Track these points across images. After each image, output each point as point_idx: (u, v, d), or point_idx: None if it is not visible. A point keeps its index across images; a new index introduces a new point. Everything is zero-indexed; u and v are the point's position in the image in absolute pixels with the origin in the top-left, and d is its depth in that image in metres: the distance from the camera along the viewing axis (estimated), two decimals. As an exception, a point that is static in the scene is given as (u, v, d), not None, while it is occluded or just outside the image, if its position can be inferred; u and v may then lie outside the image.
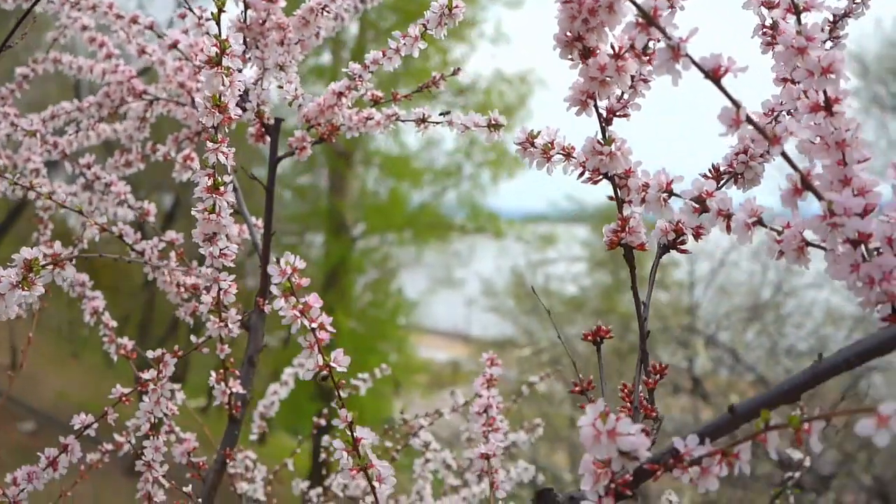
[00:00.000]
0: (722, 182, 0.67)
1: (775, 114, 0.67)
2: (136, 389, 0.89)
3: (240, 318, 0.89)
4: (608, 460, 0.53)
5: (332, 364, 0.61)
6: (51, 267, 0.63)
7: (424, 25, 0.84)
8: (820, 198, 0.50)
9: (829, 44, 0.69)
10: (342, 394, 0.62)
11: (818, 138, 0.53)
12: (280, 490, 1.53)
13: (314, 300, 0.61)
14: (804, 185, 0.50)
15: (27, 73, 1.29)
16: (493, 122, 0.80)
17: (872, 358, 0.48)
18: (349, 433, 0.63)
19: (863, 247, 0.51)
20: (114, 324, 1.07)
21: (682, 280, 7.77)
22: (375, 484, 0.63)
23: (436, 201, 11.52)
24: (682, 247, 0.66)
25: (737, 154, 0.66)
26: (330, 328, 0.61)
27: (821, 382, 0.49)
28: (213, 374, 0.94)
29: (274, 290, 0.60)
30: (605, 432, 0.48)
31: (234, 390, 0.94)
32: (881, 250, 0.50)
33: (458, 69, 0.97)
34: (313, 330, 0.61)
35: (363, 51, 10.61)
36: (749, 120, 0.49)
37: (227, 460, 0.96)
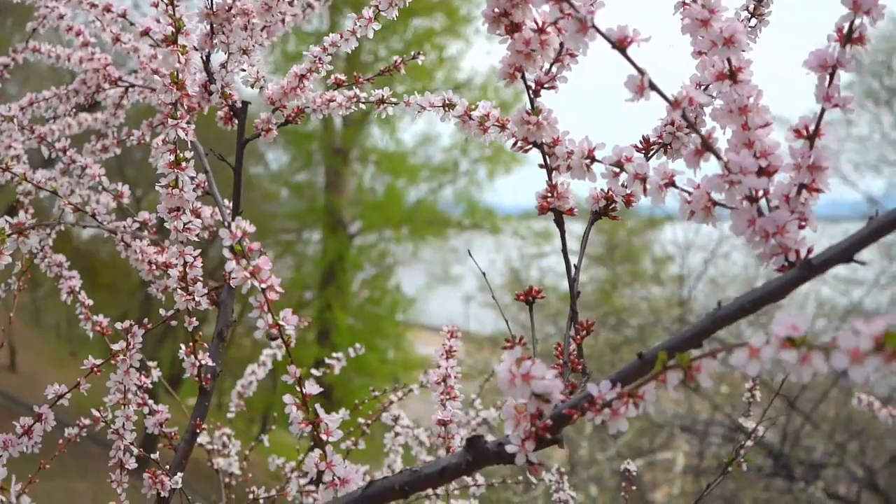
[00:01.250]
0: (652, 152, 0.70)
1: (703, 87, 0.70)
2: (108, 361, 0.93)
3: (206, 291, 0.92)
4: (537, 411, 0.57)
5: (282, 323, 0.65)
6: (15, 236, 0.66)
7: (377, 7, 0.88)
8: (719, 158, 0.54)
9: (753, 20, 0.73)
10: (289, 352, 0.66)
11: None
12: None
13: (264, 262, 0.65)
14: (705, 146, 0.54)
15: (7, 62, 1.32)
16: (447, 102, 0.84)
17: (765, 304, 0.52)
18: (298, 389, 0.67)
19: (762, 203, 0.55)
20: (90, 302, 1.10)
21: (679, 275, 7.82)
22: (323, 436, 0.67)
23: (432, 198, 11.56)
24: (613, 214, 0.69)
25: (665, 125, 0.70)
26: (279, 289, 0.65)
27: (720, 328, 0.53)
28: (183, 347, 0.98)
29: (225, 252, 0.63)
30: (520, 375, 0.52)
31: (203, 363, 0.98)
32: (778, 206, 0.54)
33: (419, 53, 1.01)
34: (263, 290, 0.64)
35: (358, 49, 10.65)
36: (652, 86, 0.53)
37: (197, 430, 1.00)
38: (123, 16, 1.10)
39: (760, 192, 0.53)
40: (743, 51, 0.59)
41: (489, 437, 0.61)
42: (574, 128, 0.64)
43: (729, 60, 0.56)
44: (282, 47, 8.60)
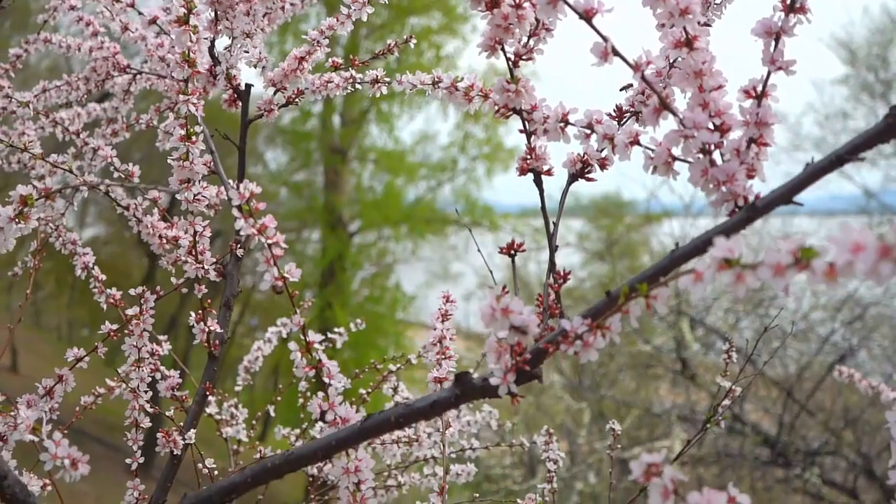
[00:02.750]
0: (624, 119, 0.77)
1: (671, 59, 0.77)
2: (124, 326, 1.00)
3: (214, 260, 0.99)
4: (518, 346, 0.63)
5: (286, 275, 0.72)
6: (43, 200, 0.73)
7: (372, -9, 0.94)
8: (675, 115, 0.60)
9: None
10: (293, 302, 0.73)
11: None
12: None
13: (269, 221, 0.71)
14: (662, 104, 0.60)
15: (20, 53, 1.39)
16: (436, 79, 0.90)
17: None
18: (302, 337, 0.74)
19: (717, 156, 0.61)
20: (103, 277, 1.17)
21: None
22: (326, 380, 0.73)
23: (431, 196, 11.62)
24: (590, 176, 0.76)
25: (636, 95, 0.76)
26: (283, 245, 0.71)
27: (678, 266, 0.59)
28: (193, 314, 1.04)
29: (234, 212, 0.70)
30: (500, 310, 0.59)
31: (212, 329, 1.04)
32: (729, 158, 0.61)
33: (411, 37, 1.08)
34: (269, 246, 0.71)
35: (356, 47, 10.71)
36: (615, 51, 0.59)
37: (207, 393, 1.07)
38: (132, 5, 1.17)
39: (713, 146, 0.60)
40: (701, 23, 0.66)
41: (475, 375, 0.68)
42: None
43: (685, 30, 0.62)
44: (280, 46, 8.66)
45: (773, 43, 0.60)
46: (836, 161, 0.54)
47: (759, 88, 0.61)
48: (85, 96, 1.27)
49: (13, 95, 1.20)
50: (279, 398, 1.58)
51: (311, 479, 1.59)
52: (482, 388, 0.65)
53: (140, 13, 1.16)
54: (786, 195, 0.56)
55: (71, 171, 1.07)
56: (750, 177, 0.60)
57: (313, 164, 11.60)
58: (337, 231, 11.02)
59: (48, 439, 0.66)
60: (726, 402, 1.14)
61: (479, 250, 1.06)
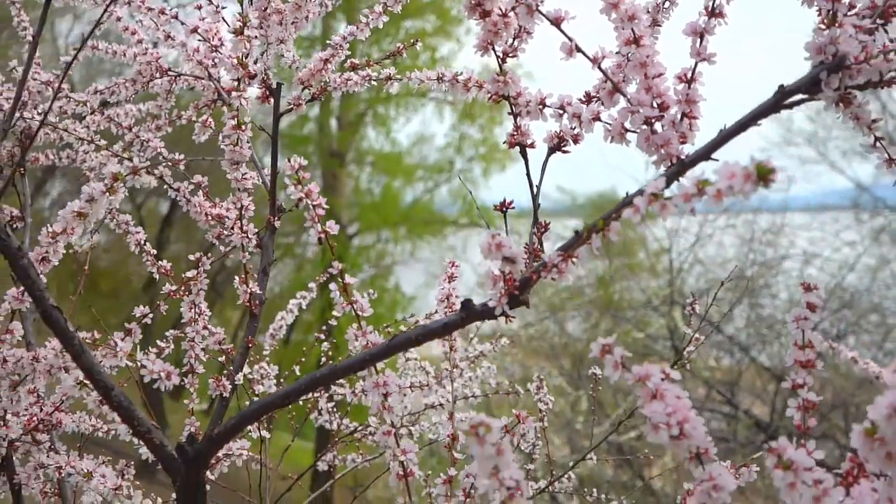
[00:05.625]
0: (592, 102, 0.96)
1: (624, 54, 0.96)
2: (182, 285, 1.19)
3: (257, 230, 1.18)
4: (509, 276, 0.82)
5: (328, 229, 0.91)
6: (132, 175, 0.92)
7: (385, 4, 1.14)
8: (624, 95, 0.79)
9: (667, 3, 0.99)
10: (332, 250, 0.92)
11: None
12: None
13: (314, 187, 0.90)
14: (615, 89, 0.80)
15: (69, 59, 1.58)
16: (440, 75, 1.09)
17: (670, 183, 0.77)
18: (341, 279, 0.93)
19: (657, 126, 0.81)
20: (154, 251, 1.36)
21: (675, 266, 8.11)
22: (359, 312, 0.93)
23: (428, 197, 11.82)
24: (566, 149, 0.95)
25: (599, 82, 0.95)
26: (325, 206, 0.91)
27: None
28: (237, 278, 1.24)
29: (286, 180, 0.89)
30: (495, 245, 0.78)
31: (253, 290, 1.24)
32: (666, 129, 0.80)
33: (417, 40, 1.27)
34: (314, 206, 0.90)
35: (353, 48, 10.91)
36: (578, 49, 0.79)
37: (249, 345, 1.26)
38: (175, 17, 1.36)
39: (654, 120, 0.79)
40: (652, 25, 0.85)
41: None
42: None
43: (633, 31, 0.81)
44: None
45: (698, 40, 0.80)
46: (740, 127, 0.74)
47: (689, 75, 0.81)
48: (132, 96, 1.46)
49: (72, 96, 1.40)
50: (304, 359, 1.77)
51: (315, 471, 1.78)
52: (482, 311, 0.84)
53: (182, 23, 1.35)
54: (704, 154, 0.75)
55: (129, 160, 1.26)
56: (683, 142, 0.79)
57: (311, 167, 11.77)
58: (336, 234, 11.16)
59: (145, 358, 0.85)
60: (690, 348, 1.33)
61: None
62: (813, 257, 7.99)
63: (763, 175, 0.56)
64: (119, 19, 1.47)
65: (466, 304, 0.86)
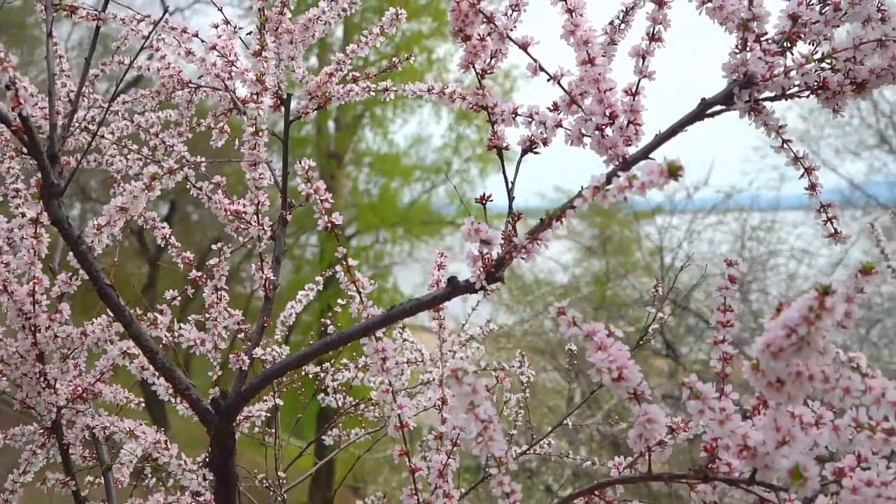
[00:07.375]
0: (558, 111, 1.13)
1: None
2: (206, 271, 1.36)
3: (272, 223, 1.35)
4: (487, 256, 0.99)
5: (333, 220, 1.08)
6: (168, 175, 1.09)
7: (382, 27, 1.31)
8: (580, 107, 0.97)
9: (623, 25, 1.16)
10: (338, 239, 1.09)
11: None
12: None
13: (321, 184, 1.07)
14: (572, 101, 0.97)
15: (97, 73, 1.75)
16: (430, 87, 1.26)
17: (635, 163, 0.94)
18: (345, 262, 1.10)
19: (608, 131, 0.98)
20: (178, 245, 1.53)
21: (670, 266, 8.29)
22: (360, 289, 1.10)
23: (426, 197, 11.98)
24: (536, 150, 1.12)
25: (562, 95, 1.12)
26: (331, 200, 1.08)
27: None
28: (253, 265, 1.41)
29: (299, 177, 1.06)
30: (474, 230, 0.95)
31: (268, 276, 1.41)
32: (615, 133, 0.97)
33: (411, 55, 1.44)
34: (322, 201, 1.07)
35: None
36: (541, 68, 0.96)
37: (265, 325, 1.43)
38: (196, 35, 1.53)
39: (605, 126, 0.96)
40: (609, 48, 1.02)
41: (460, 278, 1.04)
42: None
43: (587, 52, 0.99)
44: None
45: (641, 60, 0.97)
46: (671, 132, 0.91)
47: (634, 89, 0.98)
48: (157, 105, 1.63)
49: (106, 106, 1.57)
50: (311, 342, 1.94)
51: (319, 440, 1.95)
52: (465, 285, 1.01)
53: (202, 41, 1.52)
54: (642, 155, 0.92)
55: (157, 163, 1.43)
56: (628, 144, 0.96)
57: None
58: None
59: (184, 328, 1.02)
60: (655, 326, 1.50)
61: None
62: (803, 254, 8.19)
63: (673, 171, 0.73)
64: (145, 38, 1.64)
65: (452, 280, 1.03)
